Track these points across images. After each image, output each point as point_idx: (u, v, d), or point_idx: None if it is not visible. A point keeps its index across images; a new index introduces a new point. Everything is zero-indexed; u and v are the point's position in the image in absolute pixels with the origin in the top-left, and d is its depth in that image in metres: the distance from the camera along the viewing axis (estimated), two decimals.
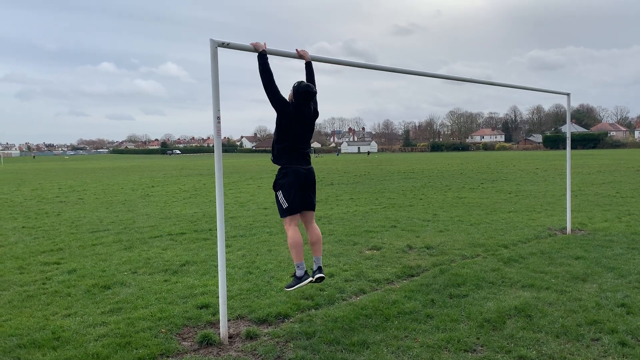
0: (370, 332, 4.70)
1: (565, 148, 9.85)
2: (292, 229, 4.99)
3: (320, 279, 5.05)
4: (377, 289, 6.03)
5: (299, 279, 4.96)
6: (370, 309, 5.28)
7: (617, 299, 5.42)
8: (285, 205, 4.96)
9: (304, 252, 5.24)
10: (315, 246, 5.17)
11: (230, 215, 12.18)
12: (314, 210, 5.24)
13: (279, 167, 5.06)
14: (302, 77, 5.31)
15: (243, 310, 5.33)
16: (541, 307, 5.21)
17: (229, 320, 4.93)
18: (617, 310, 5.08)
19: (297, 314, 5.23)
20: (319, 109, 5.28)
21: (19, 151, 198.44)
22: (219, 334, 4.66)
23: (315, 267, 5.10)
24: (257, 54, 4.82)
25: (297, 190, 4.96)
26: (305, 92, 4.93)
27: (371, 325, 4.87)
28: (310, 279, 4.98)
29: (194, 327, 4.90)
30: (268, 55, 4.86)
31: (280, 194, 5.00)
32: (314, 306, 5.44)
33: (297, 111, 4.94)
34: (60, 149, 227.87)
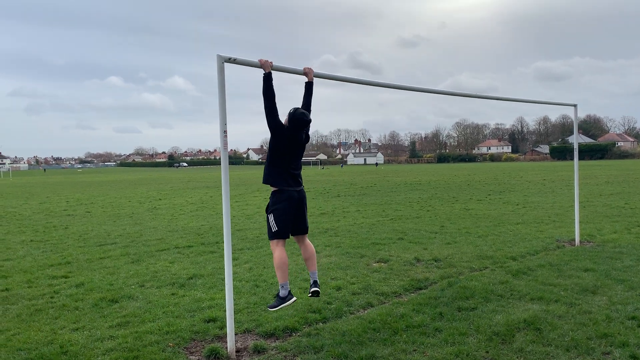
0: (378, 346, 4.67)
1: (572, 159, 9.81)
2: (278, 250, 5.02)
3: (316, 293, 5.05)
4: (384, 302, 6.00)
5: (283, 299, 4.94)
6: (378, 322, 5.25)
7: (628, 311, 5.37)
8: (275, 229, 5.01)
9: (292, 271, 5.26)
10: (310, 261, 5.22)
11: (237, 228, 12.19)
12: (307, 232, 5.29)
13: (273, 189, 5.09)
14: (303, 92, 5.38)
15: (250, 324, 5.31)
16: (551, 320, 5.16)
17: (236, 334, 4.92)
18: (628, 323, 5.03)
19: (304, 327, 5.21)
20: (310, 133, 5.39)
21: (27, 165, 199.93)
22: (227, 348, 4.65)
23: (311, 281, 5.13)
24: (263, 73, 4.88)
25: (288, 216, 5.02)
26: (300, 120, 5.01)
27: (379, 339, 4.84)
28: (294, 299, 4.98)
29: (201, 341, 4.89)
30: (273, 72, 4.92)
31: (271, 217, 5.04)
32: (321, 320, 5.42)
33: (290, 135, 5.01)
34: (68, 162, 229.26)
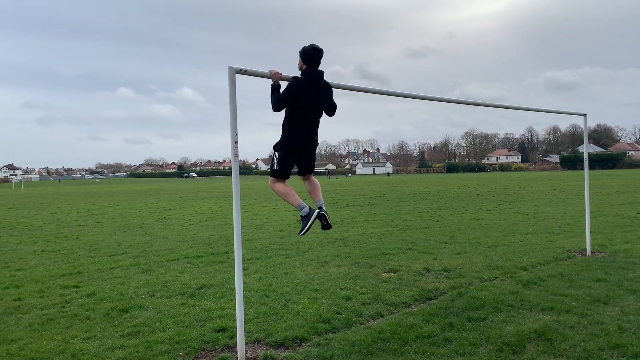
0: (388, 356, 4.67)
1: (583, 168, 9.77)
2: (278, 184, 5.27)
3: (322, 217, 5.16)
4: (394, 313, 5.99)
5: (307, 217, 5.09)
6: (388, 332, 5.24)
7: None
8: (275, 167, 5.23)
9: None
10: (314, 192, 5.42)
11: (247, 238, 12.22)
12: (312, 173, 5.52)
13: (285, 136, 5.16)
14: None
15: (260, 333, 5.32)
16: (562, 331, 5.13)
17: (246, 344, 4.93)
18: None
19: (314, 337, 5.21)
20: (318, 141, 5.45)
21: (38, 175, 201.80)
22: (237, 357, 4.66)
23: (317, 207, 5.27)
24: (271, 83, 4.97)
25: (293, 162, 5.23)
26: (312, 50, 5.06)
27: (389, 349, 4.83)
28: (316, 211, 5.12)
29: (211, 351, 4.91)
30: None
31: (276, 155, 5.22)
32: (331, 330, 5.42)
33: (308, 84, 5.00)
34: (78, 173, 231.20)
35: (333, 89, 5.45)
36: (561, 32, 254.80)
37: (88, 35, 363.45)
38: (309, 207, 5.15)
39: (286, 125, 5.16)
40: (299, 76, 5.09)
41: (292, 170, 5.40)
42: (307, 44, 5.16)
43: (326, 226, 5.27)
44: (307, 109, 5.10)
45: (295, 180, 5.53)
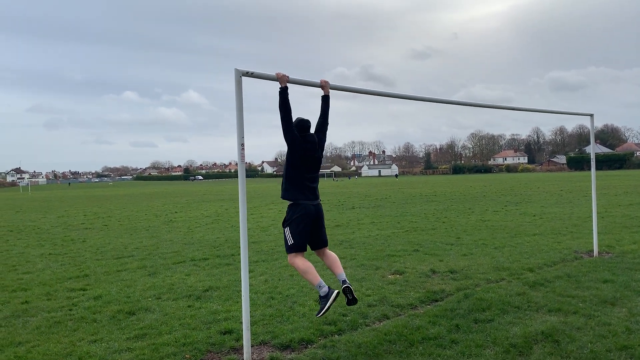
0: (394, 358, 4.66)
1: (590, 169, 9.73)
2: (298, 260, 5.06)
3: (348, 290, 4.91)
4: (400, 314, 5.98)
5: (326, 298, 4.84)
6: (394, 334, 5.23)
7: None
8: (290, 242, 5.07)
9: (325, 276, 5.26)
10: (334, 266, 5.22)
11: (252, 240, 12.23)
12: (327, 246, 5.36)
13: (289, 203, 5.15)
14: (319, 104, 5.45)
15: (266, 335, 5.33)
16: (569, 332, 5.10)
17: (252, 346, 4.94)
18: None
19: (320, 339, 5.21)
20: (325, 141, 5.44)
21: (45, 179, 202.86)
22: (243, 359, 4.66)
23: (340, 282, 5.06)
24: (279, 87, 4.96)
25: (305, 228, 5.07)
26: (300, 123, 5.16)
27: (395, 351, 4.82)
28: (337, 291, 4.90)
29: (217, 353, 4.92)
30: (289, 85, 5.00)
31: (287, 231, 5.10)
32: (337, 332, 5.41)
33: (306, 142, 5.10)
34: (85, 176, 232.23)
35: (338, 91, 5.49)
36: (566, 32, 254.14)
37: (94, 39, 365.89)
38: (329, 287, 4.93)
39: (286, 183, 5.15)
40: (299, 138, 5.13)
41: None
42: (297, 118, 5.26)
43: (352, 301, 4.96)
44: (307, 167, 5.14)
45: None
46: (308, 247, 5.25)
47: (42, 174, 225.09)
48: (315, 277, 4.94)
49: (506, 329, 5.29)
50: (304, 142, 5.09)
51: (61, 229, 16.69)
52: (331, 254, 5.31)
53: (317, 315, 4.98)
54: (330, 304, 4.83)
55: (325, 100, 5.42)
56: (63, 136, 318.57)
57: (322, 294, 4.89)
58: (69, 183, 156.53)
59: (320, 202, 5.32)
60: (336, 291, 4.90)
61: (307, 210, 5.06)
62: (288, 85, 5.01)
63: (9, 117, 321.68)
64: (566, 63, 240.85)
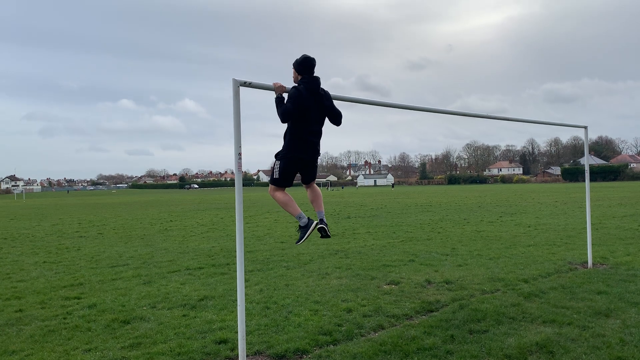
0: None
1: (584, 180, 9.80)
2: (278, 193, 5.26)
3: (322, 230, 5.17)
4: (396, 325, 5.98)
5: (306, 227, 5.09)
6: (390, 345, 5.24)
7: None
8: (276, 176, 5.22)
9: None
10: (316, 202, 5.41)
11: (248, 249, 12.22)
12: (314, 180, 5.50)
13: (287, 146, 5.16)
14: None
15: (261, 345, 5.32)
16: (563, 343, 5.12)
17: (247, 356, 4.93)
18: None
19: (315, 349, 5.21)
20: (320, 152, 5.45)
21: (40, 187, 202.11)
22: None
23: (318, 219, 5.26)
24: (274, 96, 5.01)
25: (294, 169, 5.21)
26: (304, 59, 5.14)
27: None
28: (315, 222, 5.11)
29: None
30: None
31: (277, 165, 5.22)
32: (332, 342, 5.41)
33: (308, 93, 5.03)
34: (80, 184, 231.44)
35: (334, 100, 5.50)
36: (560, 44, 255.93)
37: (89, 47, 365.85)
38: (308, 218, 5.17)
39: (288, 134, 5.17)
40: (298, 85, 5.14)
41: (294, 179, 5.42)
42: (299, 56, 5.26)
43: (325, 236, 5.31)
44: (309, 118, 5.11)
45: (295, 191, 5.55)
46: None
47: (36, 181, 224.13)
48: (295, 208, 5.17)
49: (501, 339, 5.30)
50: (306, 93, 5.01)
51: (56, 237, 16.63)
52: (316, 189, 5.47)
53: (296, 243, 5.28)
54: (309, 233, 5.12)
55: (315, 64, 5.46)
56: (58, 144, 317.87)
57: (302, 224, 5.15)
58: (68, 191, 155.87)
59: (319, 155, 5.40)
60: (315, 222, 5.10)
61: (301, 159, 5.17)
62: (284, 96, 5.05)
63: (4, 124, 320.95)
64: (560, 75, 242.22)
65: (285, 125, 5.20)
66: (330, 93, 5.42)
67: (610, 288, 7.38)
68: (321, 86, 5.22)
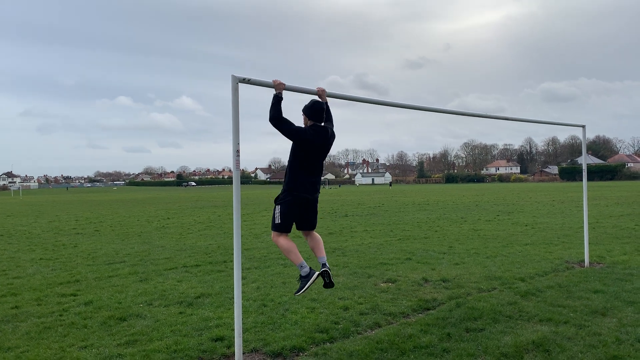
0: None
1: (581, 180, 9.80)
2: (281, 239, 5.14)
3: (326, 274, 5.04)
4: (392, 323, 5.99)
5: (306, 277, 4.95)
6: (386, 342, 5.24)
7: (638, 334, 5.32)
8: (278, 221, 5.12)
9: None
10: (317, 248, 5.30)
11: (245, 247, 12.21)
12: (314, 229, 5.41)
13: (288, 185, 5.15)
14: None
15: (258, 343, 5.31)
16: (560, 342, 5.13)
17: (244, 354, 4.92)
18: (638, 346, 4.99)
19: (311, 347, 5.20)
20: (335, 131, 5.45)
21: (37, 183, 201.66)
22: None
23: (320, 265, 5.15)
24: (274, 93, 4.96)
25: (295, 212, 5.13)
26: (314, 105, 5.14)
27: (387, 359, 4.83)
28: (317, 272, 4.98)
29: None
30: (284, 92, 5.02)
31: (277, 209, 5.15)
32: (329, 340, 5.41)
33: (316, 134, 5.07)
34: (77, 181, 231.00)
35: (334, 98, 5.52)
36: (558, 44, 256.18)
37: (87, 44, 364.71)
38: (310, 268, 5.02)
39: (289, 174, 5.14)
40: (308, 128, 5.14)
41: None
42: (308, 101, 5.26)
43: (329, 284, 5.09)
44: (312, 160, 5.12)
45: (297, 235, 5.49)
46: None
47: (33, 178, 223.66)
48: (298, 257, 5.04)
49: (497, 338, 5.30)
50: (313, 132, 5.04)
51: (52, 234, 16.59)
52: (316, 236, 5.37)
53: (295, 293, 5.12)
54: (310, 284, 4.96)
55: (326, 108, 5.44)
56: (55, 140, 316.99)
57: (302, 274, 5.00)
58: (67, 188, 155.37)
59: (318, 194, 5.35)
60: (317, 272, 4.97)
61: (302, 199, 5.11)
62: (283, 93, 5.02)
63: (2, 121, 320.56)
64: (558, 74, 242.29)
65: (286, 166, 5.24)
66: (328, 91, 5.43)
67: (607, 287, 7.39)
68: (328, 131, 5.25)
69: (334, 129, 5.46)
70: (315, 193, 5.23)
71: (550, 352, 4.88)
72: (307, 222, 5.32)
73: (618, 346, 4.99)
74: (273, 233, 5.21)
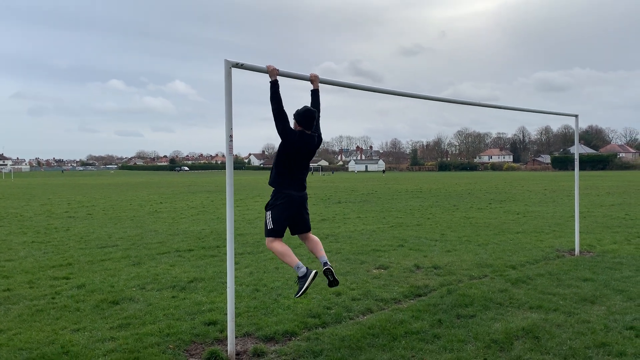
0: (377, 351, 4.70)
1: (573, 169, 9.86)
2: (275, 244, 5.11)
3: (329, 272, 4.99)
4: (384, 309, 6.03)
5: (304, 278, 4.89)
6: (378, 328, 5.28)
7: (626, 321, 5.40)
8: (270, 226, 5.10)
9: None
10: (316, 249, 5.28)
11: (238, 232, 12.21)
12: (310, 231, 5.38)
13: (274, 189, 5.16)
14: (309, 97, 5.43)
15: (250, 327, 5.34)
16: (549, 329, 5.19)
17: (236, 338, 4.95)
18: (626, 333, 5.06)
19: (304, 332, 5.24)
20: (322, 135, 5.45)
21: (29, 166, 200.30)
22: (227, 351, 4.68)
23: (322, 264, 5.12)
24: (269, 80, 4.93)
25: (286, 215, 5.11)
26: (306, 113, 5.10)
27: (378, 344, 4.87)
28: (315, 271, 4.93)
29: (201, 344, 4.93)
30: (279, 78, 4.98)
31: (269, 215, 5.13)
32: (321, 325, 5.45)
33: (302, 140, 5.07)
34: (69, 164, 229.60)
35: (327, 85, 5.49)
36: (552, 33, 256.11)
37: (80, 26, 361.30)
38: (307, 268, 4.97)
39: (274, 169, 5.12)
40: (297, 131, 5.10)
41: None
42: (300, 108, 5.20)
43: (333, 282, 5.04)
44: (298, 160, 5.11)
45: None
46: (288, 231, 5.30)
47: (25, 161, 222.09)
48: (293, 259, 5.01)
49: (488, 324, 5.36)
50: (300, 138, 5.05)
51: (44, 217, 16.53)
52: (314, 238, 5.37)
53: (295, 295, 5.07)
54: (309, 285, 4.89)
55: (315, 94, 5.42)
56: (47, 123, 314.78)
57: (300, 275, 4.96)
58: (62, 171, 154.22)
59: (306, 192, 5.34)
60: (314, 271, 4.92)
61: (291, 199, 5.10)
62: (278, 78, 5.00)
63: None
64: (552, 64, 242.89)
65: (272, 168, 5.21)
66: (322, 77, 5.42)
67: (596, 275, 7.47)
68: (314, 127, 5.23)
69: (321, 132, 5.43)
70: (303, 190, 5.23)
71: (539, 338, 4.94)
72: (300, 224, 5.30)
73: (606, 333, 5.06)
74: (267, 239, 5.17)
